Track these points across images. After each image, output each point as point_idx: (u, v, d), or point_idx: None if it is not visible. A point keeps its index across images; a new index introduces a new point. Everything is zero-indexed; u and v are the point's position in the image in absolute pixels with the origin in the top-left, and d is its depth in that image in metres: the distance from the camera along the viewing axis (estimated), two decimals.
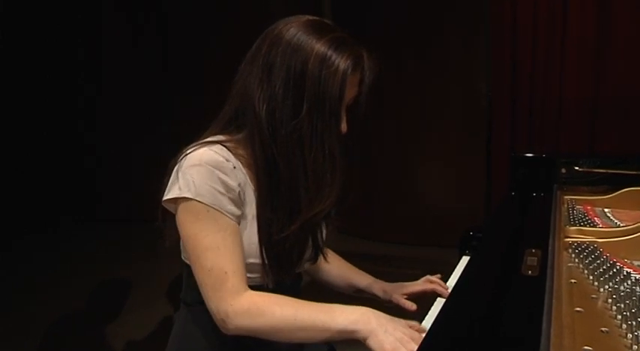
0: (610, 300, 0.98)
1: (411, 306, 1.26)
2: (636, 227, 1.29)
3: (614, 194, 1.69)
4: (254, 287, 1.07)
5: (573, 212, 1.57)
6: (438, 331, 0.74)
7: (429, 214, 4.20)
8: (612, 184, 1.74)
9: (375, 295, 1.35)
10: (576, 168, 1.82)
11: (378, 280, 1.38)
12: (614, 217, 1.56)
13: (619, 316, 0.91)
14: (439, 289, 1.31)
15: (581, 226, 1.40)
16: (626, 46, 3.26)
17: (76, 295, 3.43)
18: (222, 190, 1.03)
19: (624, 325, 0.87)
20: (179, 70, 4.71)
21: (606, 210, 1.65)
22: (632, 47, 3.25)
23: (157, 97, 4.81)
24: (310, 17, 1.10)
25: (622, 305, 0.94)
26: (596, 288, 1.05)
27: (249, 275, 1.08)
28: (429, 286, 1.32)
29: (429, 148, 4.19)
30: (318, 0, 4.36)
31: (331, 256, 1.41)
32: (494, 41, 3.62)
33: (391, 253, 4.08)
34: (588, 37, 3.32)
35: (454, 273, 1.45)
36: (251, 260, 1.08)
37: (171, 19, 4.79)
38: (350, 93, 1.09)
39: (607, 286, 1.04)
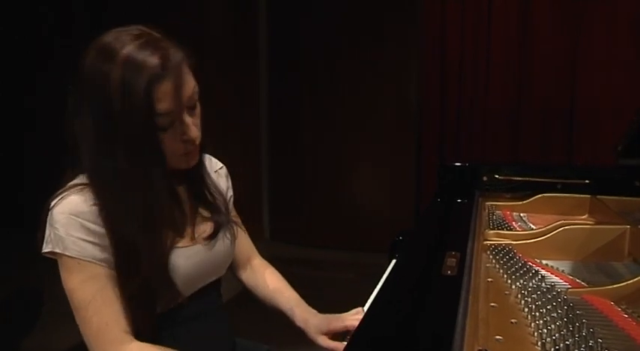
0: (519, 295, 1.09)
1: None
2: (545, 230, 1.43)
3: (529, 200, 1.84)
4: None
5: (493, 217, 1.70)
6: (361, 333, 0.81)
7: (362, 219, 4.31)
8: (530, 190, 1.90)
9: (297, 327, 1.23)
10: (496, 176, 1.96)
11: (302, 305, 1.27)
12: (529, 221, 1.70)
13: (526, 309, 1.02)
14: None
15: (499, 230, 1.52)
16: (547, 64, 3.51)
17: None
18: (89, 239, 0.98)
19: (529, 316, 0.99)
20: None
21: (522, 215, 1.79)
22: (551, 64, 3.50)
23: None
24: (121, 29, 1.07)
25: (529, 299, 1.05)
26: (509, 285, 1.17)
27: None
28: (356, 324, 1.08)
29: (362, 155, 4.31)
30: (254, 1, 4.42)
31: (266, 273, 1.35)
32: (425, 48, 3.80)
33: (324, 258, 4.16)
34: (511, 54, 3.56)
35: (383, 277, 1.54)
36: None
37: (109, 22, 4.71)
38: (165, 103, 0.98)
39: (518, 284, 1.16)
